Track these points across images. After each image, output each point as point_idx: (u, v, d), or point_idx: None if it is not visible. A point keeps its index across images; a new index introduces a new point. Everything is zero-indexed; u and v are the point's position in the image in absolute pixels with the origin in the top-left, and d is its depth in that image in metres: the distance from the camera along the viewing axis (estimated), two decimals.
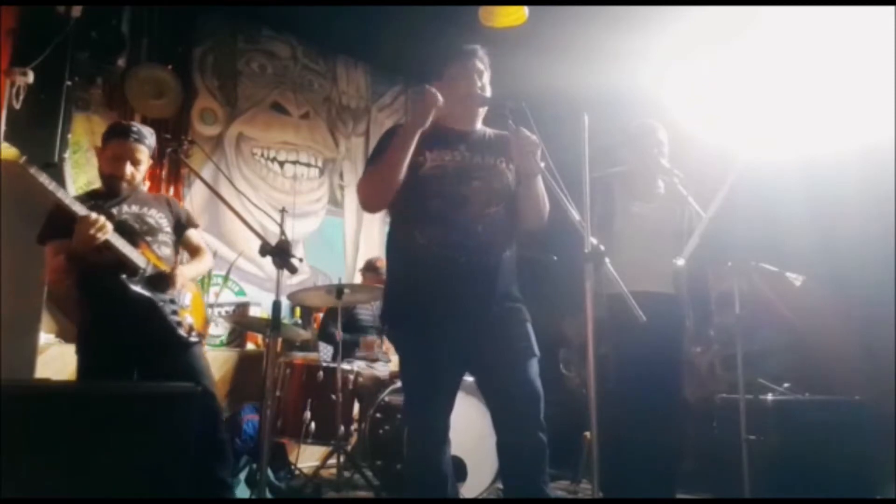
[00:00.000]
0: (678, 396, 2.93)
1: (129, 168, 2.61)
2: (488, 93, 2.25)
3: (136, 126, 2.67)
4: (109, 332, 2.48)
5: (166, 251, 2.68)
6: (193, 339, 2.63)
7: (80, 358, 2.54)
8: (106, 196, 2.62)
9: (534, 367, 2.11)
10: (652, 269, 2.79)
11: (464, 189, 2.12)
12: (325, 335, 4.21)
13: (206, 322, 2.82)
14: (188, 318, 2.63)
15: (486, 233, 2.12)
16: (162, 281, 2.57)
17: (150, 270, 2.55)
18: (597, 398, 1.98)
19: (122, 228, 2.52)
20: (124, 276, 2.47)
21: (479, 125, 2.30)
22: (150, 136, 2.69)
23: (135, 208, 2.64)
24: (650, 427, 2.67)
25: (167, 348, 2.55)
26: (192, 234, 2.85)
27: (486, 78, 2.26)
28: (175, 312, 2.58)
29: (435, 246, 2.08)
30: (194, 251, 2.85)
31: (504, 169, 2.22)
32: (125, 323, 2.47)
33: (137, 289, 2.49)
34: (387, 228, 2.31)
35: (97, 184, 2.79)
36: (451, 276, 2.07)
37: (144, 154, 2.66)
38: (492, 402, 2.19)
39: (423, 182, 2.11)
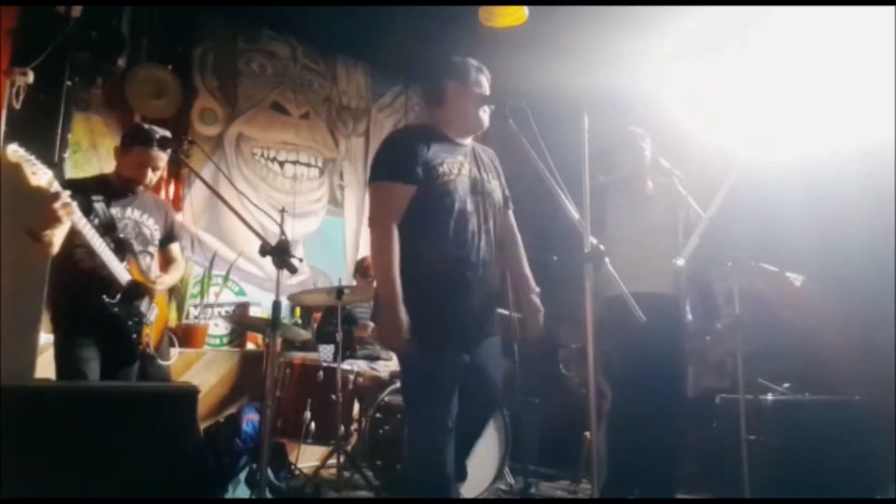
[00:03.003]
0: (679, 396, 2.93)
1: (150, 175, 2.65)
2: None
3: (160, 133, 2.66)
4: (76, 339, 2.50)
5: (148, 261, 2.73)
6: (148, 353, 2.66)
7: (55, 361, 2.56)
8: (115, 193, 2.64)
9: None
10: (649, 269, 2.79)
11: (468, 204, 2.16)
12: (322, 335, 4.19)
13: (162, 336, 2.81)
14: (147, 337, 2.66)
15: (486, 247, 2.19)
16: (139, 292, 2.60)
17: (125, 287, 2.56)
18: (596, 398, 1.99)
19: (118, 242, 2.55)
20: (103, 296, 2.49)
21: (469, 140, 2.32)
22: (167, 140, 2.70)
23: (136, 213, 2.67)
24: (651, 427, 2.67)
25: (125, 364, 2.60)
26: (174, 248, 2.92)
27: (485, 88, 2.28)
28: (138, 333, 2.61)
29: (439, 261, 2.11)
30: (171, 262, 2.90)
31: (495, 186, 2.29)
32: (89, 335, 2.49)
33: (111, 305, 2.51)
34: None
35: None
36: (456, 289, 2.12)
37: (164, 161, 2.69)
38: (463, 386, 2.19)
39: (432, 196, 2.13)
